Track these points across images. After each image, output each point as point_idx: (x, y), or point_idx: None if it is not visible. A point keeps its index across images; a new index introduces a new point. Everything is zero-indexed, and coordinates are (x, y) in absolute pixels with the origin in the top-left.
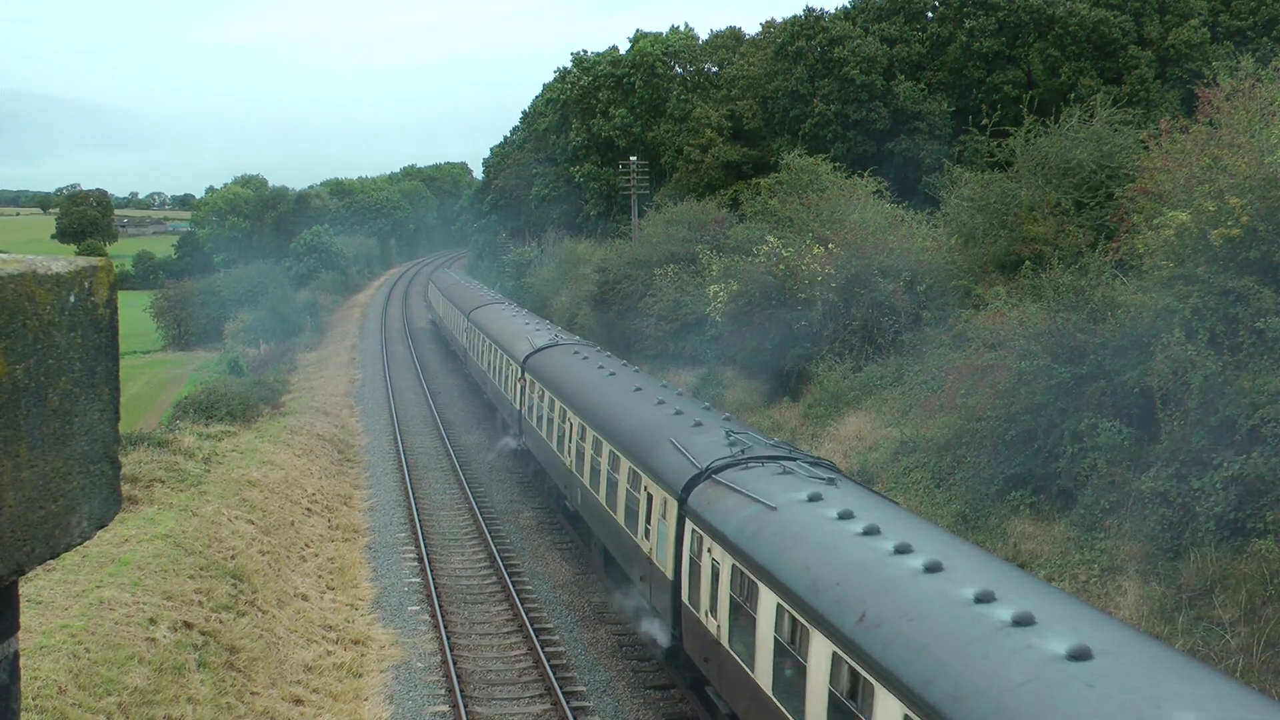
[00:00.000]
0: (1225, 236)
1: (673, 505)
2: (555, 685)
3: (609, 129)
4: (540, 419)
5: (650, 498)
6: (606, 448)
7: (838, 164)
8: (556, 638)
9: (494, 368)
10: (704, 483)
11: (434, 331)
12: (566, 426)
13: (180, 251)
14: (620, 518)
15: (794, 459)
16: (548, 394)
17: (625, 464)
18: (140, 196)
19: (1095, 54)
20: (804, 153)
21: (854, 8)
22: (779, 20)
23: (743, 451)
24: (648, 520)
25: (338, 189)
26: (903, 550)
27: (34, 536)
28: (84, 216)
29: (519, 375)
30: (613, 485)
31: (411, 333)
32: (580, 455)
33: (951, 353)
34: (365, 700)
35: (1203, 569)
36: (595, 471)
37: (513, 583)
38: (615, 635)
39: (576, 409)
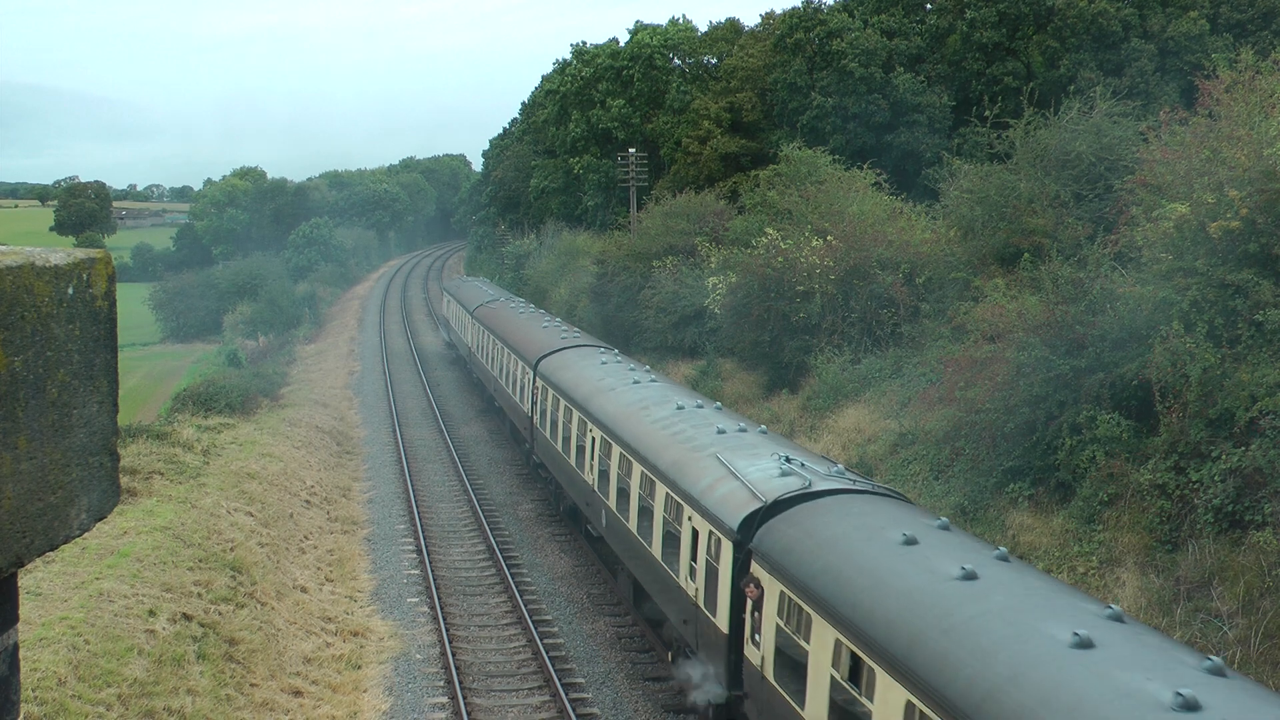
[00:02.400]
0: (1224, 229)
1: None
2: (554, 677)
3: (607, 120)
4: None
5: None
6: None
7: (836, 156)
8: (555, 629)
9: (628, 496)
10: None
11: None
12: None
13: (179, 244)
14: None
15: None
16: (890, 684)
17: None
18: (139, 189)
19: (1094, 46)
20: (802, 145)
21: (853, 0)
22: (778, 12)
23: None
24: None
25: (336, 181)
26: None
27: (33, 528)
28: (82, 209)
29: (728, 557)
30: None
31: (410, 325)
32: None
33: (950, 345)
34: (364, 692)
35: (1201, 561)
36: None
37: (511, 574)
38: (614, 627)
39: None
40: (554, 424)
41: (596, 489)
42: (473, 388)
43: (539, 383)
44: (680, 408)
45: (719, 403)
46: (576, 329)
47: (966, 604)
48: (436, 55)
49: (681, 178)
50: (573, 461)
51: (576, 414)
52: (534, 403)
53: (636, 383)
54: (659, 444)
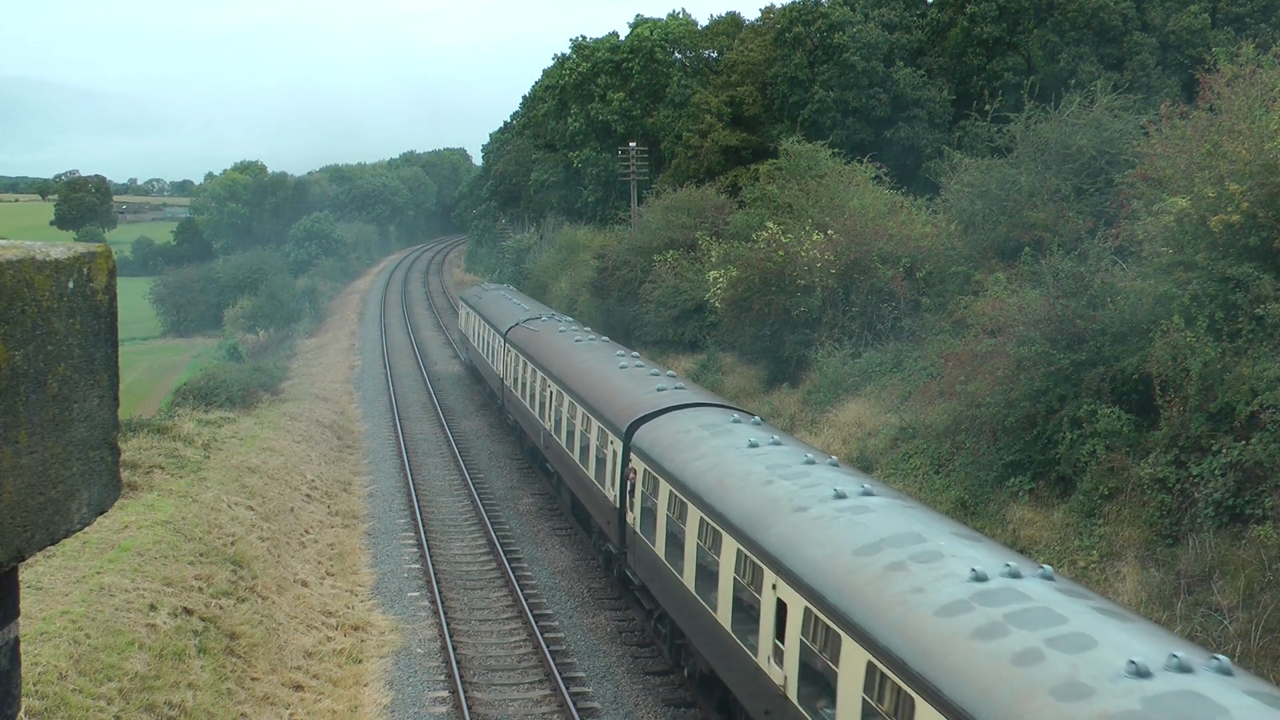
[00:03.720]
0: (1225, 223)
1: None
2: (555, 671)
3: (607, 114)
4: None
5: None
6: None
7: (837, 150)
8: (556, 623)
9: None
10: None
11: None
12: None
13: (179, 238)
14: None
15: None
16: None
17: None
18: (139, 183)
19: (1095, 40)
20: (803, 139)
21: None
22: (779, 6)
23: None
24: None
25: (337, 175)
26: None
27: (34, 522)
28: (82, 203)
29: None
30: None
31: (411, 320)
32: None
33: (951, 339)
34: (365, 686)
35: (1201, 555)
36: None
37: (512, 568)
38: (614, 621)
39: None
40: (673, 537)
41: (796, 700)
42: (473, 382)
43: (637, 464)
44: (981, 579)
45: (1046, 566)
46: (670, 371)
47: None
48: (437, 50)
49: (682, 172)
50: (725, 623)
51: (730, 541)
52: (626, 491)
53: (841, 497)
54: (991, 681)
